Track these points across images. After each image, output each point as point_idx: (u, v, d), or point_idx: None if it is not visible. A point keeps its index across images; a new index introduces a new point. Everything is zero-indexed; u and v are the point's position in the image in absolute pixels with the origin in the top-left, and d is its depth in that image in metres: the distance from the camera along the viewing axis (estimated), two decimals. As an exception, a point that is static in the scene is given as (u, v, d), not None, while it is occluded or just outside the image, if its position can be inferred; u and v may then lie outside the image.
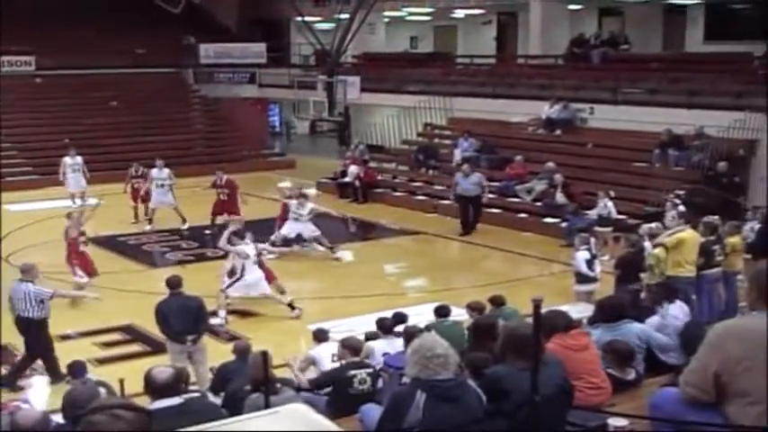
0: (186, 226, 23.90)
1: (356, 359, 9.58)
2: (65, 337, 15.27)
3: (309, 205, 21.23)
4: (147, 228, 24.04)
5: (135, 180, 25.07)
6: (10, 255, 20.94)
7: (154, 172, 24.30)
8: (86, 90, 37.26)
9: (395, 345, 10.45)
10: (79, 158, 27.77)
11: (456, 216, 24.39)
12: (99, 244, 22.43)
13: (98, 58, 37.99)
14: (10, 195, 28.17)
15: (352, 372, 9.23)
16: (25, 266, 13.77)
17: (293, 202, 21.17)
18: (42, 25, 38.26)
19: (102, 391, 8.97)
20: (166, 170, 24.42)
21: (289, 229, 20.91)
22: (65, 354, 13.50)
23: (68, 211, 20.88)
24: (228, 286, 16.23)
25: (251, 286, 16.35)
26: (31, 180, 31.14)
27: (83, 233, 18.66)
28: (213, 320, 15.49)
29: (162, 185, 24.17)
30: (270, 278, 16.90)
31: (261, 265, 16.81)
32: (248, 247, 16.54)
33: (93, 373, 10.87)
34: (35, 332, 13.30)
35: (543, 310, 7.05)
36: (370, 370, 9.31)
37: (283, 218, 21.51)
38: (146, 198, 24.64)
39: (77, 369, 10.03)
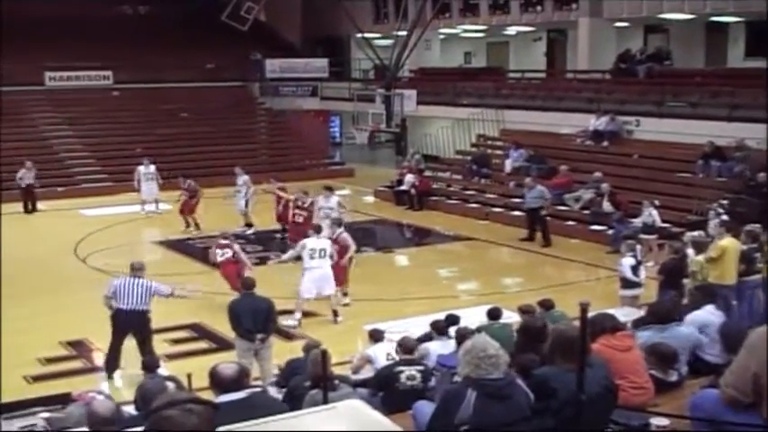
0: (251, 231, 24.01)
1: (407, 357, 9.54)
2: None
3: (335, 198, 21.05)
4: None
5: (182, 191, 25.20)
6: (86, 257, 21.26)
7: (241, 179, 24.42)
8: (159, 103, 37.70)
9: (449, 346, 10.42)
10: (152, 167, 28.08)
11: (506, 223, 24.56)
12: (169, 247, 22.71)
13: (170, 72, 38.50)
14: (85, 201, 28.63)
15: (400, 368, 9.20)
16: (139, 264, 13.88)
17: (319, 198, 21.03)
18: (119, 43, 38.88)
19: (170, 385, 9.07)
20: (245, 177, 24.47)
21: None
22: (137, 350, 13.66)
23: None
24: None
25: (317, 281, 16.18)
26: (106, 187, 31.56)
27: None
28: (287, 321, 15.70)
29: (239, 192, 24.31)
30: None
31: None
32: (314, 241, 16.31)
33: (165, 368, 10.95)
34: (147, 323, 13.39)
35: (590, 314, 7.01)
36: (420, 367, 9.26)
37: (285, 216, 21.60)
38: (186, 210, 24.78)
39: (151, 364, 10.11)
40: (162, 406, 3.67)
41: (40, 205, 28.32)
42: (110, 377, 13.31)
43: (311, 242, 16.23)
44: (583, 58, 32.96)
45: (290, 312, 15.96)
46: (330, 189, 21.47)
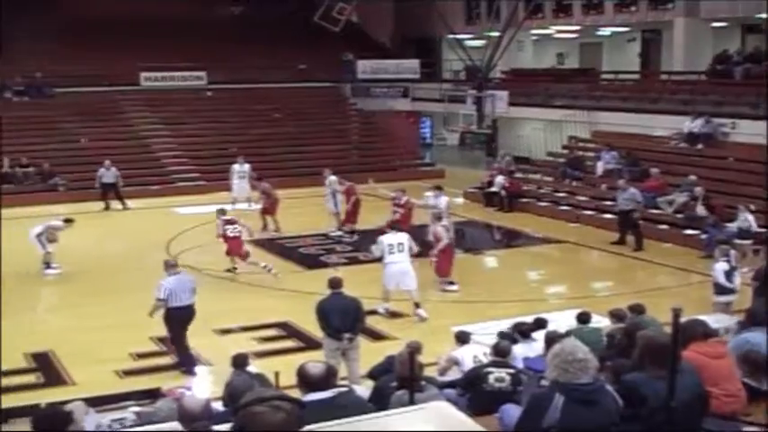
0: (336, 232, 24.08)
1: (498, 359, 9.47)
2: (226, 331, 15.68)
3: (444, 197, 21.29)
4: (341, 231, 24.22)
5: (263, 194, 25.36)
6: (178, 254, 21.55)
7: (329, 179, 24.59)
8: (252, 103, 38.10)
9: (533, 349, 10.33)
10: (247, 166, 28.47)
11: (597, 226, 24.31)
12: (260, 246, 22.92)
13: (263, 73, 38.96)
14: (180, 199, 29.10)
15: (490, 369, 9.13)
16: (174, 261, 14.54)
17: (428, 194, 21.23)
18: (214, 44, 39.53)
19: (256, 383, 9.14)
20: (332, 178, 24.60)
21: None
22: (226, 346, 13.87)
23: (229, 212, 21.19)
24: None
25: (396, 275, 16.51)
26: (199, 186, 32.03)
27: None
28: (378, 309, 16.26)
29: (331, 193, 24.48)
30: None
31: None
32: (391, 237, 16.74)
33: (253, 366, 11.05)
34: (193, 316, 13.86)
35: (682, 320, 6.87)
36: (510, 370, 9.17)
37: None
38: (270, 211, 24.94)
39: (240, 361, 10.19)
40: (250, 402, 3.69)
41: (132, 203, 28.84)
42: (193, 372, 13.62)
43: (389, 238, 16.73)
44: (678, 59, 32.41)
45: (376, 313, 16.01)
46: (440, 188, 21.87)
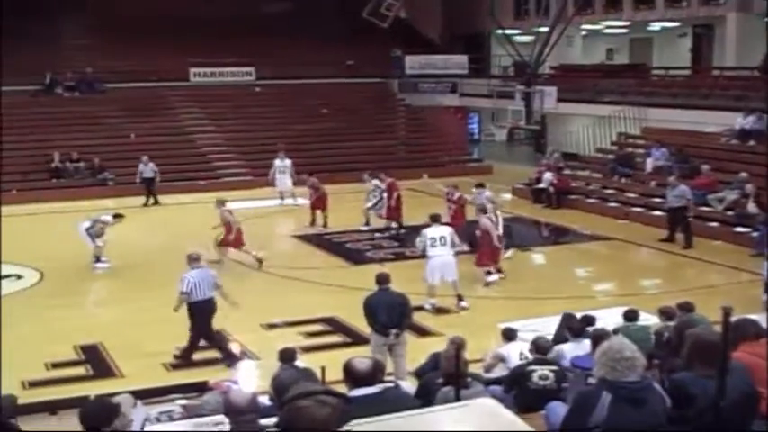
0: (366, 227, 24.14)
1: (540, 356, 9.43)
2: (272, 326, 15.76)
3: (486, 192, 21.37)
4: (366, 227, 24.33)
5: (311, 189, 25.39)
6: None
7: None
8: (300, 98, 38.20)
9: (583, 347, 10.26)
10: (288, 161, 28.59)
11: (646, 224, 24.14)
12: (306, 240, 23.04)
13: (311, 68, 39.01)
14: (226, 194, 29.21)
15: (533, 367, 9.11)
16: (197, 255, 14.60)
17: (474, 191, 21.40)
18: (262, 39, 39.71)
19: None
20: (375, 181, 24.58)
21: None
22: (272, 341, 13.95)
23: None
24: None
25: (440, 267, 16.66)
26: (246, 181, 32.21)
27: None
28: (424, 305, 16.29)
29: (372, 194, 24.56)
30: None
31: None
32: (433, 230, 16.88)
33: (300, 360, 11.09)
34: (215, 308, 14.07)
35: (732, 319, 6.80)
36: (553, 367, 9.14)
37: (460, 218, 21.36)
38: (318, 206, 24.97)
39: (288, 355, 10.23)
40: (296, 396, 3.71)
41: (179, 198, 29.12)
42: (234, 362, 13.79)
43: (431, 231, 16.85)
44: (730, 55, 32.06)
45: (422, 309, 16.01)
46: (482, 185, 21.92)
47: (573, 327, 11.17)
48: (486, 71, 42.27)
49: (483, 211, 18.98)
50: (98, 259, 20.10)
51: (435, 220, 17.24)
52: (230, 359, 13.86)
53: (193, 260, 14.26)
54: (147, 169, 29.13)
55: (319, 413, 3.65)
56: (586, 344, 10.22)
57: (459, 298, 16.75)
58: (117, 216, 20.67)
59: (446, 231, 16.94)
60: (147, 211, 27.68)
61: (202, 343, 14.57)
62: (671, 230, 22.54)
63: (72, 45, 38.94)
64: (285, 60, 39.26)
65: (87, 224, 20.07)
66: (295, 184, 28.26)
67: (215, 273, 14.37)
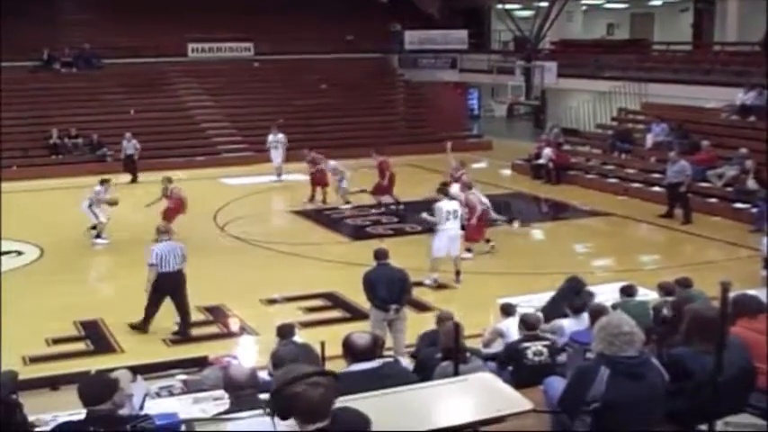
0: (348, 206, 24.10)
1: (531, 333, 9.47)
2: (272, 301, 15.82)
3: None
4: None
5: (311, 164, 25.27)
6: (225, 224, 21.75)
7: None
8: (299, 74, 38.06)
9: (583, 322, 10.29)
10: (281, 136, 28.49)
11: (645, 199, 24.19)
12: (305, 216, 23.06)
13: (310, 44, 38.87)
14: (226, 170, 29.27)
15: (526, 344, 9.15)
16: (165, 227, 15.04)
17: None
18: (260, 14, 39.59)
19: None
20: (333, 163, 24.63)
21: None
22: (272, 316, 13.98)
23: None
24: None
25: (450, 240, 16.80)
26: (245, 156, 32.17)
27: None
28: (425, 281, 16.43)
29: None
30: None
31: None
32: (446, 203, 16.92)
33: (299, 336, 11.13)
34: (185, 281, 14.20)
35: (732, 294, 6.82)
36: (546, 342, 9.19)
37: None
38: (318, 181, 24.90)
39: (286, 331, 10.25)
40: (289, 381, 3.75)
41: (179, 174, 28.98)
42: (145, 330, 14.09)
43: (445, 204, 16.89)
44: (732, 30, 31.97)
45: (421, 284, 16.04)
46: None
47: (574, 304, 11.18)
48: (485, 46, 42.18)
49: (469, 186, 19.04)
50: (99, 235, 20.12)
51: (445, 193, 17.26)
52: (185, 334, 14.05)
53: (161, 233, 14.50)
54: (130, 146, 28.88)
55: (314, 394, 3.71)
56: (586, 319, 10.26)
57: (458, 273, 16.84)
58: (103, 182, 20.60)
59: (457, 205, 17.09)
60: (144, 186, 27.58)
61: (202, 317, 14.68)
62: (670, 206, 22.57)
63: (70, 21, 38.77)
64: (284, 36, 39.10)
65: (87, 201, 20.08)
66: (285, 160, 28.16)
67: (183, 246, 14.41)
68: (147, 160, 28.93)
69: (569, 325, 10.42)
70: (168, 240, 14.31)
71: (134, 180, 28.43)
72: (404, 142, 32.76)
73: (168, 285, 14.01)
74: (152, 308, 14.14)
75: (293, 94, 36.69)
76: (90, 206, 20.00)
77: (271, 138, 28.56)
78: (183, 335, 14.04)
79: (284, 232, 21.28)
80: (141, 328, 14.11)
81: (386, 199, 23.93)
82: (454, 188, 18.67)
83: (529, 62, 33.98)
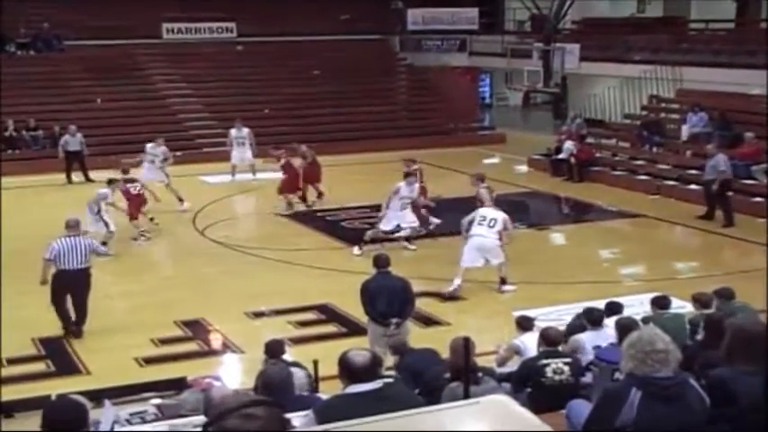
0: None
1: (551, 349, 9.46)
2: (258, 315, 15.80)
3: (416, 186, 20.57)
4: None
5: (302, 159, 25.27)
6: (206, 228, 21.74)
7: None
8: (288, 58, 38.14)
9: (604, 336, 10.31)
10: (246, 131, 28.35)
11: (681, 199, 24.24)
12: (295, 219, 23.04)
13: (300, 24, 38.86)
14: (206, 166, 29.21)
15: (545, 360, 9.13)
16: (74, 221, 14.98)
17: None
18: (244, -10, 39.53)
19: (297, 371, 9.20)
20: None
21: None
22: (258, 331, 14.01)
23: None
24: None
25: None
26: (229, 151, 32.05)
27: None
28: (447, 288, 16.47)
29: None
30: None
31: None
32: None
33: (289, 354, 11.13)
34: (90, 281, 14.55)
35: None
36: (566, 359, 9.18)
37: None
38: (310, 178, 24.85)
39: (275, 348, 10.25)
40: (221, 414, 3.73)
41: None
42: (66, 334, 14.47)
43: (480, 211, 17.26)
44: (781, 5, 31.99)
45: (426, 295, 16.02)
46: (413, 175, 20.72)
47: (592, 316, 11.20)
48: (499, 26, 42.20)
49: (482, 179, 19.27)
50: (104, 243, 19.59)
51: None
52: (77, 334, 14.43)
53: (69, 227, 14.67)
54: (75, 141, 28.41)
55: (248, 428, 3.66)
56: (606, 333, 10.27)
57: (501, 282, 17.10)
58: (111, 182, 20.42)
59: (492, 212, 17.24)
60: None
61: (180, 333, 14.67)
62: (710, 206, 22.54)
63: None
64: (270, 15, 39.12)
65: (92, 208, 19.63)
66: (255, 156, 28.12)
67: (90, 242, 14.61)
68: (116, 155, 28.83)
69: (589, 339, 10.43)
70: (75, 236, 14.51)
71: (87, 179, 28.14)
72: (406, 135, 32.81)
73: (66, 284, 14.36)
74: (59, 310, 14.47)
75: (281, 81, 36.72)
76: (98, 212, 19.57)
77: (234, 133, 28.27)
78: (74, 334, 14.47)
79: (272, 237, 21.28)
80: (72, 333, 14.45)
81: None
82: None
83: (548, 44, 34.04)
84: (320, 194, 24.63)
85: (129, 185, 20.93)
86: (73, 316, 14.58)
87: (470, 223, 16.90)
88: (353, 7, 40.67)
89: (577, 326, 11.19)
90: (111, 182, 20.45)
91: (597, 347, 9.99)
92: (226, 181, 27.45)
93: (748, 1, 36.91)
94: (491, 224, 16.80)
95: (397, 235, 19.76)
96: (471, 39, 40.66)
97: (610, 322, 10.70)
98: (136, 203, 20.93)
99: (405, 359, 10.08)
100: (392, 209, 19.38)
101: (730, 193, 22.45)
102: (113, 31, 36.71)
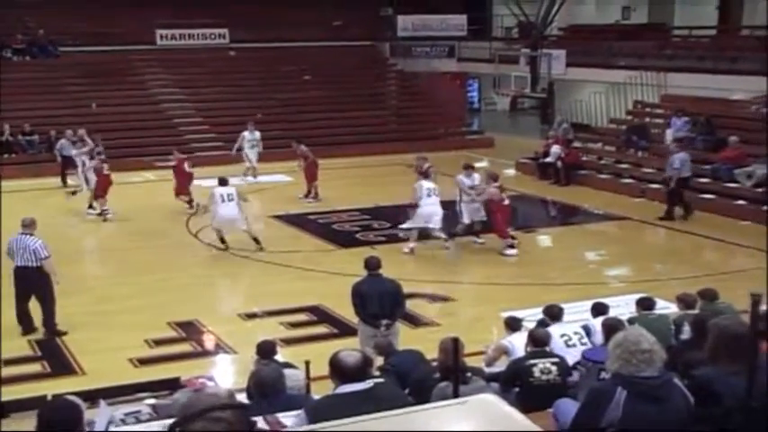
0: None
1: (538, 349, 9.49)
2: (251, 316, 15.77)
3: (477, 176, 20.82)
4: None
5: (302, 158, 25.73)
6: (199, 231, 21.69)
7: None
8: (280, 64, 38.16)
9: (567, 327, 10.52)
10: (258, 134, 28.55)
11: (664, 202, 24.00)
12: (288, 222, 23.03)
13: (292, 30, 38.88)
14: (199, 170, 29.10)
15: (533, 360, 9.15)
16: (29, 221, 15.04)
17: (460, 176, 20.71)
18: (236, -3, 39.50)
19: (293, 372, 9.20)
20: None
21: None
22: (250, 332, 14.00)
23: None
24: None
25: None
26: (221, 155, 32.09)
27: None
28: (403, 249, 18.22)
29: None
30: None
31: None
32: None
33: (281, 354, 11.12)
34: (42, 280, 14.69)
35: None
36: (554, 359, 9.19)
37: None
38: (309, 177, 25.37)
39: (267, 349, 10.24)
40: (188, 418, 3.71)
41: (147, 174, 28.96)
42: (25, 333, 14.67)
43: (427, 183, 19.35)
44: (761, 12, 32.01)
45: (416, 296, 16.01)
46: (471, 167, 21.16)
47: (552, 311, 11.33)
48: (487, 33, 42.20)
49: (495, 178, 20.07)
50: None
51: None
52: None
53: (23, 225, 14.85)
54: (69, 145, 27.80)
55: (214, 431, 3.63)
56: (570, 326, 10.48)
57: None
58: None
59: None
60: (116, 189, 27.24)
61: (174, 334, 14.67)
62: (669, 205, 23.15)
63: (22, 3, 38.61)
64: (263, 21, 39.12)
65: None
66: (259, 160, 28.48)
67: (41, 243, 14.58)
68: (111, 160, 28.76)
69: (555, 330, 10.52)
70: (24, 235, 14.66)
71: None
72: (396, 139, 32.82)
73: (16, 279, 14.69)
74: (17, 311, 14.78)
75: (273, 86, 36.74)
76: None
77: (247, 135, 28.53)
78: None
79: (265, 239, 21.21)
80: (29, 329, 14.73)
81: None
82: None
83: (535, 50, 34.08)
84: (316, 195, 24.81)
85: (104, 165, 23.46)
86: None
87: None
88: (345, 14, 40.68)
89: (540, 322, 11.24)
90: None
91: (563, 336, 10.14)
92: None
93: (730, 8, 37.04)
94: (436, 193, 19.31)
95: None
96: (460, 45, 40.68)
97: (596, 323, 10.74)
98: (104, 184, 22.84)
99: (390, 360, 10.08)
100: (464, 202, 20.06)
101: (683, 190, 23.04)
102: (108, 37, 36.72)
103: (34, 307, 14.79)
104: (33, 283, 14.61)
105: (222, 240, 19.72)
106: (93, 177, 23.72)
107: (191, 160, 25.46)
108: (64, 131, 28.89)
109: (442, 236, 19.66)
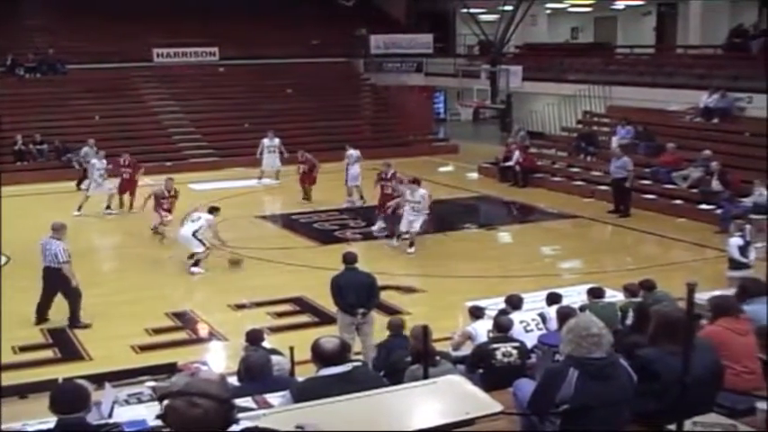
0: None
1: (500, 334, 9.54)
2: (240, 306, 15.76)
3: (421, 191, 19.95)
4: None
5: (299, 164, 25.83)
6: (194, 232, 21.58)
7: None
8: (264, 78, 38.04)
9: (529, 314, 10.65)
10: (277, 140, 28.62)
11: (611, 201, 24.09)
12: (274, 221, 23.02)
13: (276, 49, 38.74)
14: (193, 175, 29.10)
15: (496, 345, 9.20)
16: (58, 225, 14.96)
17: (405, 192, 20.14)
18: (226, 19, 39.36)
19: (279, 358, 9.22)
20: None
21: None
22: (240, 321, 13.98)
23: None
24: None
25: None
26: (213, 162, 32.09)
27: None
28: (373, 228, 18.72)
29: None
30: None
31: None
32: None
33: (268, 341, 11.10)
34: (63, 280, 14.61)
35: (709, 294, 6.88)
36: (515, 344, 9.25)
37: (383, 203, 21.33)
38: (307, 181, 25.45)
39: (256, 336, 10.24)
40: (172, 394, 3.71)
41: (146, 180, 28.79)
42: (37, 323, 14.64)
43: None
44: (694, 33, 32.20)
45: (389, 288, 16.00)
46: (417, 182, 20.39)
47: (513, 301, 11.41)
48: (451, 50, 42.20)
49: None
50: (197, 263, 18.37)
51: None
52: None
53: (52, 229, 14.80)
54: (93, 153, 26.72)
55: (188, 414, 3.62)
56: (528, 314, 10.59)
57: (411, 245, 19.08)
58: (213, 210, 18.99)
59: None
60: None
61: (171, 323, 14.64)
62: (616, 202, 23.28)
63: (33, 26, 38.47)
64: (249, 40, 38.99)
65: (193, 228, 18.25)
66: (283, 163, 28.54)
67: (62, 249, 14.48)
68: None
69: (516, 317, 10.61)
70: (52, 238, 14.62)
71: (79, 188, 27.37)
72: (370, 146, 32.69)
73: (44, 279, 14.70)
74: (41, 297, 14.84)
75: (259, 98, 36.61)
76: (195, 233, 18.10)
77: (267, 142, 28.59)
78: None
79: (253, 237, 21.20)
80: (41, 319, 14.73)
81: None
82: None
83: (494, 66, 34.13)
84: (308, 198, 25.16)
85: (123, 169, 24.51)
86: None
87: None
88: (323, 33, 40.59)
89: (502, 311, 11.29)
90: (213, 210, 18.96)
91: (522, 322, 10.28)
92: (210, 188, 27.35)
93: (666, 29, 37.27)
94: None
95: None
96: (427, 61, 40.62)
97: (551, 311, 10.81)
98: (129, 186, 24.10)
99: (394, 340, 10.21)
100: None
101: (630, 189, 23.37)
102: (110, 56, 36.47)
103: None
104: (56, 281, 14.58)
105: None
106: (107, 185, 24.08)
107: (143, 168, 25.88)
108: (86, 140, 28.46)
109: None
